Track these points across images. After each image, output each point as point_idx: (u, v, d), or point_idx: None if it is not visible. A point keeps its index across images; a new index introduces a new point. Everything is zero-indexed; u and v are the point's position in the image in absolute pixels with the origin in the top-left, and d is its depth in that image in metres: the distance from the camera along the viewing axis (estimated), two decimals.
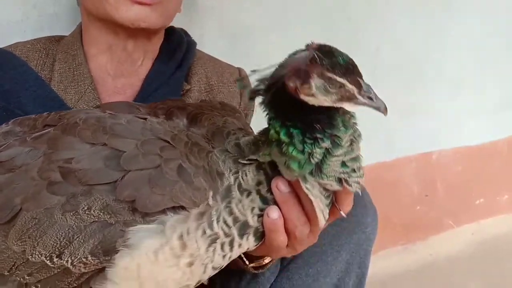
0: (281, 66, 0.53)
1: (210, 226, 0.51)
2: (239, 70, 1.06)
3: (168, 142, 0.53)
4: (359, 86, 0.51)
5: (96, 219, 0.48)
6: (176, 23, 0.99)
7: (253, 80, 0.55)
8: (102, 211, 0.48)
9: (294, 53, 0.53)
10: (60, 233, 0.48)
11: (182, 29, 1.04)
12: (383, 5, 1.53)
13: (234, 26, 1.33)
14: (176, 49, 0.96)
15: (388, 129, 1.62)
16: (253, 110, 1.05)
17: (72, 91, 0.85)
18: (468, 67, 1.75)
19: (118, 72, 0.90)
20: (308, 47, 0.52)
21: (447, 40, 1.69)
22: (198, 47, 1.03)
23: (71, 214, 0.48)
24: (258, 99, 0.57)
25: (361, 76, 0.52)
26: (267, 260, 0.72)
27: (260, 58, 1.36)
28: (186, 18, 1.22)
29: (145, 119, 0.57)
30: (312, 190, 0.53)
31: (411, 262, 1.71)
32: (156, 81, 0.90)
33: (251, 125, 0.88)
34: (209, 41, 1.27)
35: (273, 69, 0.53)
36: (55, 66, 0.86)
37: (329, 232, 0.76)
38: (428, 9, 1.61)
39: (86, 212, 0.48)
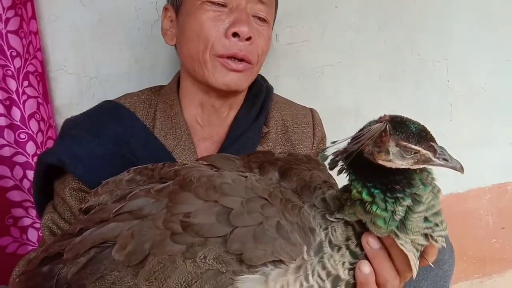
0: (357, 137, 0.57)
1: (306, 279, 0.57)
2: (311, 110, 1.14)
3: (267, 199, 0.61)
4: (433, 150, 0.56)
5: (211, 267, 0.56)
6: None
7: (332, 151, 0.59)
8: (215, 260, 0.56)
9: (369, 124, 0.59)
10: (181, 278, 0.56)
11: (260, 76, 1.13)
12: (450, 39, 1.55)
13: (305, 67, 1.43)
14: (257, 96, 1.05)
15: (460, 161, 1.60)
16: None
17: (171, 137, 0.94)
18: None
19: (206, 123, 1.00)
20: (381, 118, 0.58)
21: None
22: (274, 87, 1.13)
23: (190, 261, 0.56)
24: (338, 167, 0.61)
25: (434, 140, 0.57)
26: None
27: (330, 95, 1.45)
28: (264, 63, 1.33)
29: (246, 177, 0.66)
30: (406, 245, 0.58)
31: None
32: (240, 127, 0.99)
33: None
34: (284, 82, 1.38)
35: (349, 140, 0.59)
36: (156, 115, 0.96)
37: None
38: (495, 38, 1.60)
39: (202, 260, 0.56)
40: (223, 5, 0.90)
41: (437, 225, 0.59)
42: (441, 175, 0.62)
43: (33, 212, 1.21)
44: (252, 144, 0.98)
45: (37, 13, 1.14)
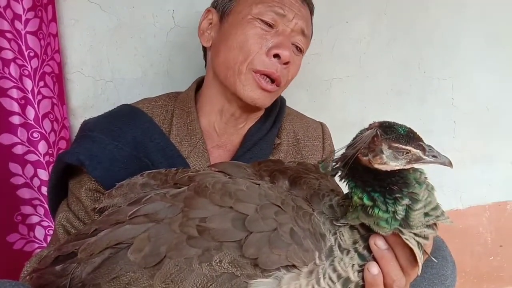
0: (352, 145, 0.62)
1: (318, 282, 0.60)
2: (321, 124, 1.16)
3: (280, 206, 0.64)
4: (422, 148, 0.59)
5: (226, 271, 0.58)
6: None
7: (330, 160, 0.64)
8: (231, 264, 0.58)
9: (360, 132, 0.63)
10: (197, 280, 0.58)
11: None
12: (457, 57, 1.58)
13: (314, 79, 1.46)
14: (272, 108, 1.07)
15: (461, 178, 1.63)
16: None
17: (186, 143, 0.96)
18: None
19: (223, 131, 1.02)
20: (370, 125, 0.62)
21: None
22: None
23: (206, 264, 0.58)
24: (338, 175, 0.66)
25: (422, 140, 0.60)
26: None
27: (337, 108, 1.48)
28: None
29: (259, 184, 0.68)
30: (410, 240, 0.60)
31: None
32: (254, 137, 1.02)
33: None
34: (293, 93, 1.40)
35: (345, 149, 0.63)
36: (173, 121, 0.98)
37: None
38: (501, 58, 1.63)
39: (218, 264, 0.58)
40: (271, 26, 0.95)
41: (438, 216, 0.62)
42: (442, 192, 0.65)
43: (41, 210, 1.23)
44: (264, 155, 1.00)
45: (57, 16, 1.17)
